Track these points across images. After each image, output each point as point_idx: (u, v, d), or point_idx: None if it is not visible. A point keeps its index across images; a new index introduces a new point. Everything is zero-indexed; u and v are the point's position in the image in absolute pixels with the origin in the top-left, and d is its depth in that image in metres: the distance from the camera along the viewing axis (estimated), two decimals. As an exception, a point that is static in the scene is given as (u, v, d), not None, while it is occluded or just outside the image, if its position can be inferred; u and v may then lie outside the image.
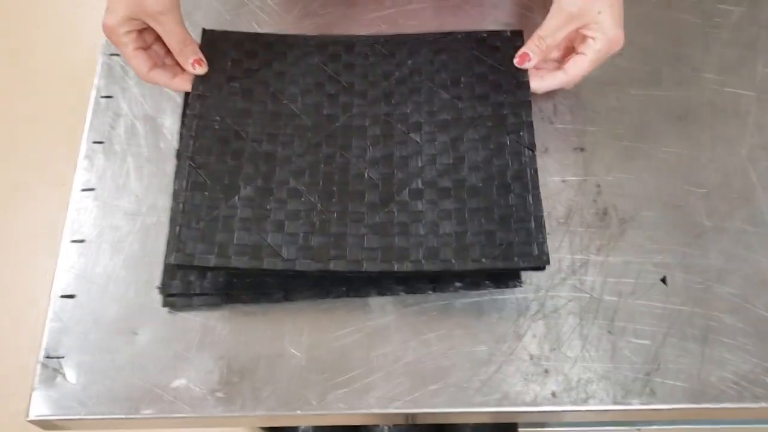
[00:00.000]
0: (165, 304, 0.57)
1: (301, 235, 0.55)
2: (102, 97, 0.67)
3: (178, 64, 0.62)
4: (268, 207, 0.56)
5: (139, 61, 0.60)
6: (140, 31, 0.59)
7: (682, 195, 0.62)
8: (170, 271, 0.57)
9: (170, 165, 0.63)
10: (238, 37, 0.65)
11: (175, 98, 0.67)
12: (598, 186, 0.62)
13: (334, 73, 0.62)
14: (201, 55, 0.61)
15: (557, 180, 0.62)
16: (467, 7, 0.71)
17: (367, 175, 0.58)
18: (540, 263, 0.54)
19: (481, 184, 0.56)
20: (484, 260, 0.53)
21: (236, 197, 0.56)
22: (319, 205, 0.56)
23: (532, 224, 0.54)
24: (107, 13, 0.57)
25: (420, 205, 0.56)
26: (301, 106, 0.61)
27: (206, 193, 0.56)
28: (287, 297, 0.57)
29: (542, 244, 0.54)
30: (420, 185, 0.57)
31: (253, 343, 0.56)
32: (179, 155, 0.60)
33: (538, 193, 0.56)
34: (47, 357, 0.56)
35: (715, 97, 0.66)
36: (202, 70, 0.61)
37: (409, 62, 0.63)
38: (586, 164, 0.63)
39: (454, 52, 0.63)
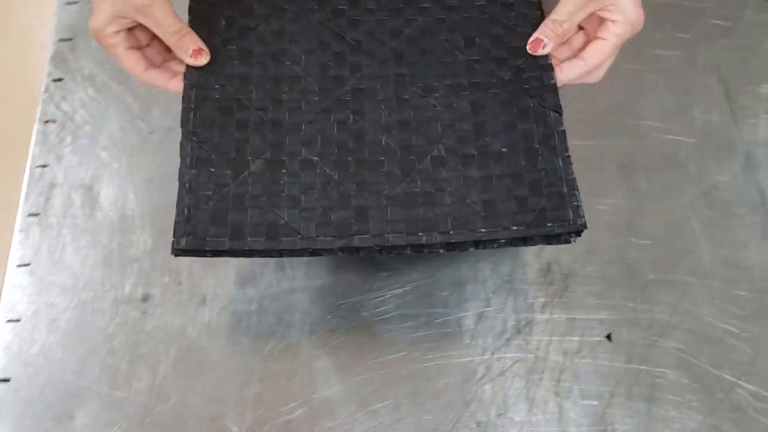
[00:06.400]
0: (176, 254, 0.51)
1: (320, 210, 0.51)
2: (37, 166, 0.66)
3: (176, 59, 0.56)
4: (281, 181, 0.52)
5: (132, 61, 0.54)
6: (130, 30, 0.54)
7: (625, 247, 0.62)
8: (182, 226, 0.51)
9: (106, 235, 0.62)
10: None
11: (111, 164, 0.65)
12: (542, 241, 0.62)
13: (339, 30, 0.57)
14: (201, 44, 0.54)
15: (500, 237, 0.62)
16: None
17: (384, 141, 0.53)
18: (576, 228, 0.50)
19: (505, 149, 0.53)
20: (515, 228, 0.50)
21: (246, 172, 0.52)
22: (335, 176, 0.52)
23: (564, 188, 0.51)
24: (92, 15, 0.52)
25: (443, 173, 0.52)
26: (305, 67, 0.56)
27: (212, 169, 0.52)
28: (314, 252, 0.52)
29: (577, 207, 0.50)
30: (442, 152, 0.53)
31: (194, 422, 0.55)
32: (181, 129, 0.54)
33: (568, 157, 0.52)
34: (-20, 447, 0.55)
35: (656, 144, 0.66)
36: (204, 60, 0.54)
37: (419, 19, 0.58)
38: (530, 219, 0.63)
39: (466, 10, 0.59)
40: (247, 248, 0.50)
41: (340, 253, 0.51)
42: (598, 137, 0.66)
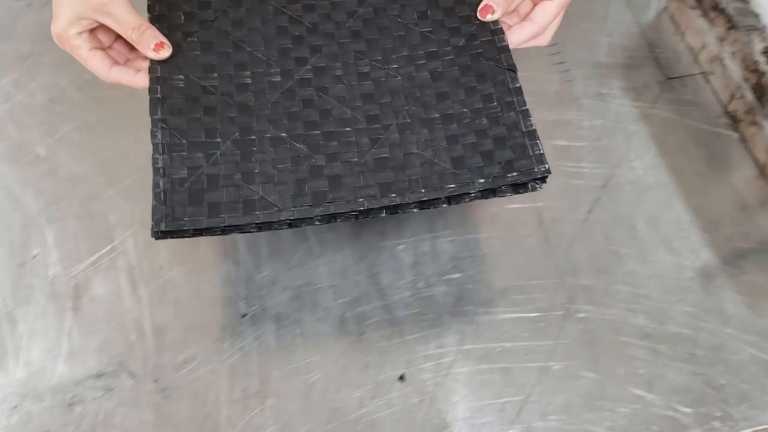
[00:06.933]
0: (157, 238, 0.52)
1: (294, 182, 0.53)
2: None
3: (140, 56, 0.57)
4: (252, 159, 0.54)
5: (96, 62, 0.55)
6: (92, 32, 0.55)
7: (413, 286, 0.64)
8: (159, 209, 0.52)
9: None
10: None
11: None
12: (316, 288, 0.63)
13: (296, 15, 0.60)
14: (162, 38, 0.56)
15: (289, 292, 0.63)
16: None
17: (350, 114, 0.56)
18: (541, 174, 0.53)
19: (466, 110, 0.56)
20: (482, 180, 0.53)
21: (217, 153, 0.54)
22: (305, 149, 0.54)
23: (526, 140, 0.54)
24: (53, 20, 0.53)
25: (411, 138, 0.55)
26: (265, 51, 0.59)
27: (184, 153, 0.53)
28: (292, 224, 0.53)
29: (540, 156, 0.53)
30: (407, 119, 0.56)
31: None
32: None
33: (526, 110, 0.56)
34: None
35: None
36: (166, 53, 0.56)
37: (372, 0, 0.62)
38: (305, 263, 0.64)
39: None
40: (226, 224, 0.51)
41: (317, 223, 0.53)
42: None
